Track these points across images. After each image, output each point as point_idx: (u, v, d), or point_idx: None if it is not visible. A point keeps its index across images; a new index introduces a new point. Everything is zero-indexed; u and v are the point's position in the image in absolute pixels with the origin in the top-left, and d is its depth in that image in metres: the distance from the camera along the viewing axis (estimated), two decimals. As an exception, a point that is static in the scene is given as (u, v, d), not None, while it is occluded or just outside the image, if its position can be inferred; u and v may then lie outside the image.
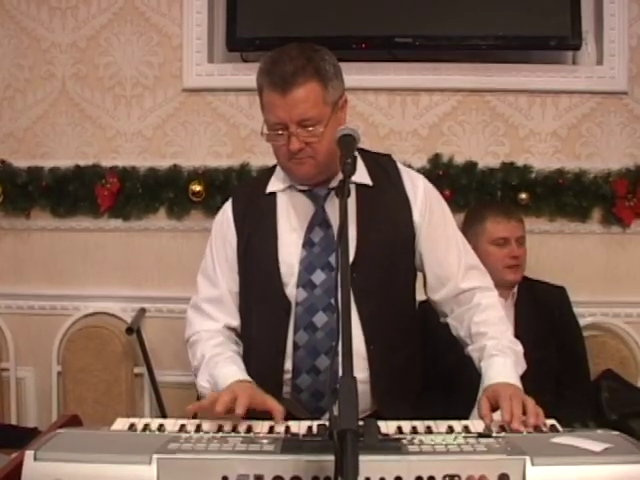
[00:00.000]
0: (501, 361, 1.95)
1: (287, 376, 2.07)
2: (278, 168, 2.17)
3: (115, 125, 3.59)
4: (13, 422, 3.61)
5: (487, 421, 1.73)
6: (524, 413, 1.71)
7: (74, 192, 3.54)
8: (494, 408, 1.78)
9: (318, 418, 1.95)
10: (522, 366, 2.02)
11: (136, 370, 3.57)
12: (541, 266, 3.42)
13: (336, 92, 2.03)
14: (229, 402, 1.75)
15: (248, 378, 1.97)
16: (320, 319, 2.03)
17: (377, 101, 3.52)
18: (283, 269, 2.08)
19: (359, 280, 1.98)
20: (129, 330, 3.34)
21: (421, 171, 3.22)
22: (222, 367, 2.00)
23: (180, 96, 3.57)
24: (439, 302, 2.20)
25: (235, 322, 2.19)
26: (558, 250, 3.51)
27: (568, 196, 3.43)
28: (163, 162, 3.53)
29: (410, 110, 3.52)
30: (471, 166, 3.45)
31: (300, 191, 2.13)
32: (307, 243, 2.08)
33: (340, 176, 1.87)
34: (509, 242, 2.97)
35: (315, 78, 1.97)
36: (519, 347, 2.04)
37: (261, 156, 3.38)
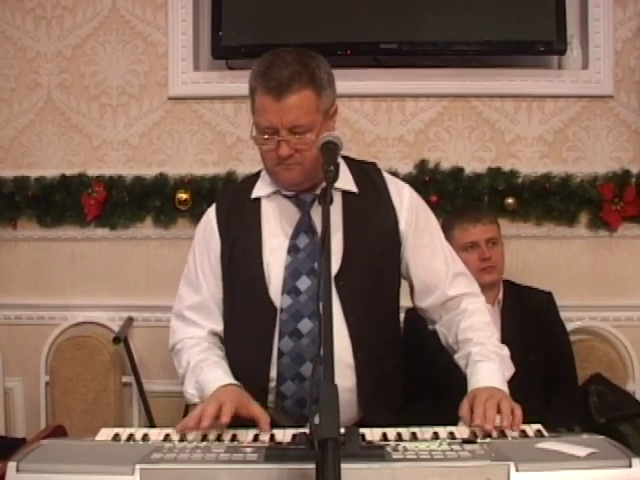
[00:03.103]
0: (485, 366, 1.96)
1: (272, 384, 2.05)
2: (263, 173, 2.15)
3: (101, 134, 3.59)
4: (1, 433, 3.59)
5: (466, 421, 1.77)
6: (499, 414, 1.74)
7: (60, 201, 3.54)
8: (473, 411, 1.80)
9: (302, 426, 1.91)
10: (509, 369, 2.02)
11: (124, 379, 3.55)
12: (528, 271, 3.43)
13: (328, 100, 2.02)
14: (214, 414, 1.74)
15: (234, 381, 1.96)
16: (305, 326, 2.01)
17: (363, 107, 3.53)
18: (268, 275, 2.06)
19: (346, 288, 1.98)
20: (116, 339, 3.33)
21: (408, 177, 3.25)
22: (207, 373, 1.99)
23: (166, 104, 3.57)
24: (427, 309, 2.20)
25: (219, 327, 2.16)
26: (545, 255, 3.51)
27: (555, 200, 3.43)
28: (149, 171, 3.53)
29: (396, 116, 3.53)
30: (458, 172, 3.45)
31: (286, 197, 2.11)
32: (292, 249, 2.06)
33: None
34: (478, 245, 2.97)
35: (310, 85, 1.96)
36: (505, 351, 2.05)
37: (248, 164, 3.38)
